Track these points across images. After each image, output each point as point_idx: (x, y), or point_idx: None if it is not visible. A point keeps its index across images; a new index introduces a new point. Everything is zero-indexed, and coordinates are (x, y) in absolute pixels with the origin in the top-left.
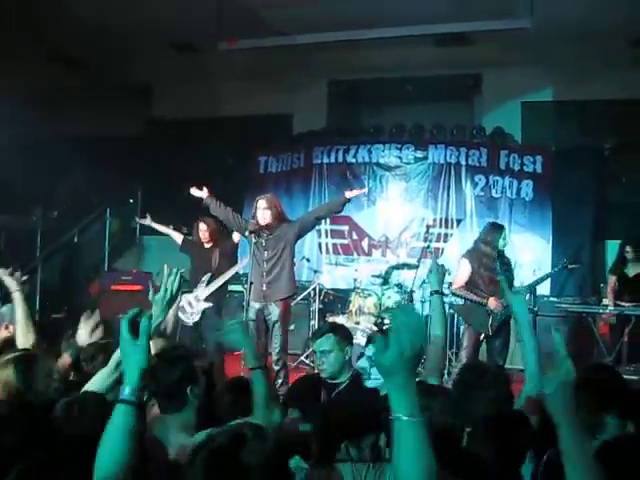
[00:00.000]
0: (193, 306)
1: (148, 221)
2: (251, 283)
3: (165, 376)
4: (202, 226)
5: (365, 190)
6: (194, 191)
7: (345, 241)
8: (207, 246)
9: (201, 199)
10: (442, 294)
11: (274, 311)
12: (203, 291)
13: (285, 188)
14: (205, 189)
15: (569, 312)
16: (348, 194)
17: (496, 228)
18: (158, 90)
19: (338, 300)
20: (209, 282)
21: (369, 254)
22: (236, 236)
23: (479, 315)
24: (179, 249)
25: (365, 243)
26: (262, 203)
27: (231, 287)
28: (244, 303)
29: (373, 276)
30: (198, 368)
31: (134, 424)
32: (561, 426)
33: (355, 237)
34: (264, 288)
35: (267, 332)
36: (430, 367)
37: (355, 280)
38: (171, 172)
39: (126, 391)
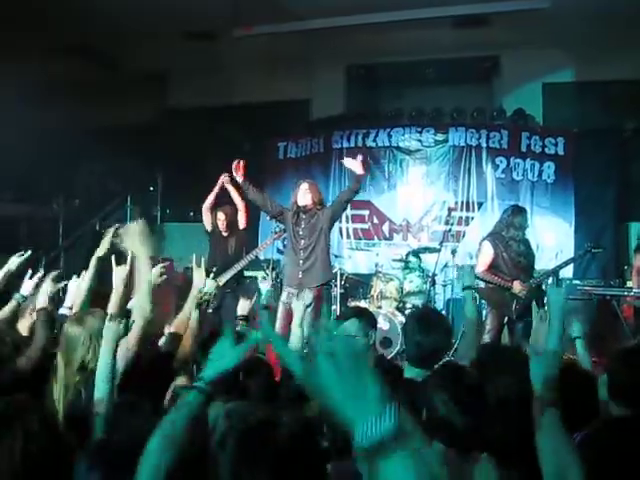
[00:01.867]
0: (214, 292)
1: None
2: (273, 268)
3: None
4: (220, 215)
5: (360, 157)
6: (226, 179)
7: (366, 226)
8: (224, 234)
9: (237, 184)
10: (474, 289)
11: (308, 296)
12: (221, 278)
13: (305, 173)
14: (240, 174)
15: (593, 295)
16: (348, 163)
17: (521, 211)
18: (175, 78)
19: (360, 285)
20: (224, 270)
21: (390, 238)
22: (242, 222)
23: (503, 298)
24: (207, 234)
25: (386, 227)
26: (304, 185)
27: (254, 273)
28: (261, 286)
29: (394, 260)
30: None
31: (199, 412)
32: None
33: (376, 221)
34: (300, 275)
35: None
36: (464, 348)
37: (376, 265)
38: (190, 160)
39: (205, 380)
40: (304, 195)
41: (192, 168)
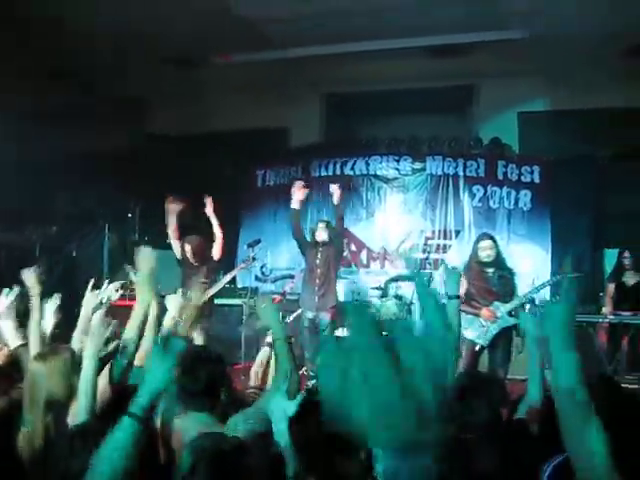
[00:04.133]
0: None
1: None
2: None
3: (201, 377)
4: (186, 247)
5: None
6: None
7: (344, 253)
8: (195, 264)
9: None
10: (457, 298)
11: (324, 318)
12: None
13: (284, 201)
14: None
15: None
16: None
17: (477, 239)
18: (154, 105)
19: (336, 312)
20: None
21: (368, 266)
22: (216, 253)
23: (473, 326)
24: (178, 264)
25: (364, 255)
26: (322, 225)
27: (230, 301)
28: (244, 316)
29: (372, 288)
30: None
31: (136, 440)
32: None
33: (353, 249)
34: (317, 300)
35: (317, 338)
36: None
37: (353, 292)
38: (168, 187)
39: (138, 406)
40: (322, 233)
41: (170, 196)
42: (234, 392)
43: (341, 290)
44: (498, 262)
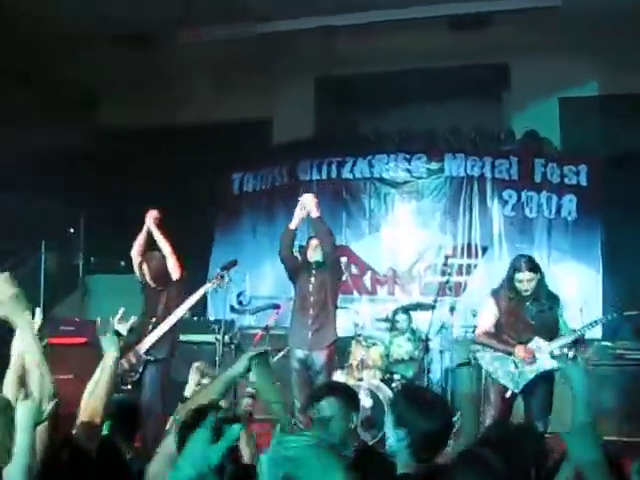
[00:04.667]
0: (133, 363)
1: None
2: (225, 332)
3: None
4: (144, 267)
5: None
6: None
7: (342, 277)
8: (158, 288)
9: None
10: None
11: (318, 359)
12: (143, 342)
13: (265, 212)
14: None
15: (627, 360)
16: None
17: (514, 266)
18: (105, 94)
19: (336, 350)
20: (152, 329)
21: (373, 292)
22: (173, 271)
23: (504, 367)
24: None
25: (368, 279)
26: (314, 242)
27: (201, 338)
28: (217, 357)
29: (378, 320)
30: None
31: None
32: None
33: (355, 271)
34: (310, 336)
35: (310, 384)
36: (465, 431)
37: (356, 325)
38: (122, 194)
39: None
40: (315, 251)
41: (125, 204)
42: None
43: (340, 323)
44: (539, 293)
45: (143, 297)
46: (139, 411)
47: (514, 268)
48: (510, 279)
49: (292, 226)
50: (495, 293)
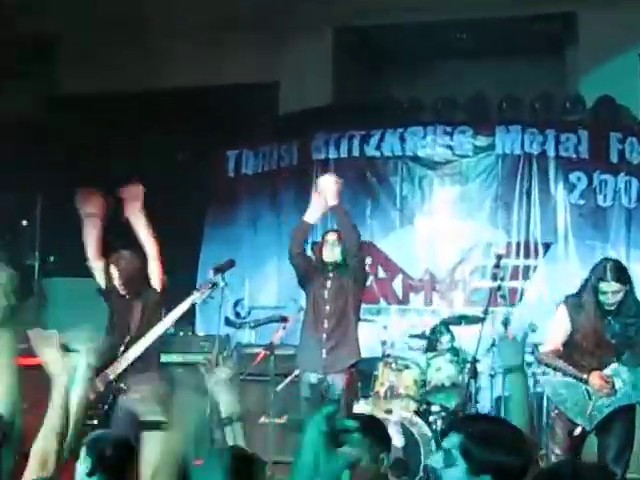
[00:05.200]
0: (100, 392)
1: None
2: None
3: None
4: (113, 270)
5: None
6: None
7: (366, 281)
8: (125, 296)
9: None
10: (519, 370)
11: (336, 385)
12: (114, 367)
13: (269, 199)
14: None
15: None
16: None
17: (598, 267)
18: (67, 51)
19: (357, 375)
20: (125, 349)
21: (404, 301)
22: (155, 279)
23: (574, 396)
24: (101, 294)
25: (398, 284)
26: (332, 236)
27: (188, 358)
28: (209, 383)
29: (412, 336)
30: None
31: None
32: None
33: (382, 275)
34: (324, 355)
35: None
36: None
37: (384, 343)
38: (87, 177)
39: None
40: (332, 249)
41: (88, 190)
42: None
43: (364, 340)
44: (625, 308)
45: (110, 308)
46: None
47: (598, 276)
48: (592, 288)
49: (310, 219)
50: (570, 302)
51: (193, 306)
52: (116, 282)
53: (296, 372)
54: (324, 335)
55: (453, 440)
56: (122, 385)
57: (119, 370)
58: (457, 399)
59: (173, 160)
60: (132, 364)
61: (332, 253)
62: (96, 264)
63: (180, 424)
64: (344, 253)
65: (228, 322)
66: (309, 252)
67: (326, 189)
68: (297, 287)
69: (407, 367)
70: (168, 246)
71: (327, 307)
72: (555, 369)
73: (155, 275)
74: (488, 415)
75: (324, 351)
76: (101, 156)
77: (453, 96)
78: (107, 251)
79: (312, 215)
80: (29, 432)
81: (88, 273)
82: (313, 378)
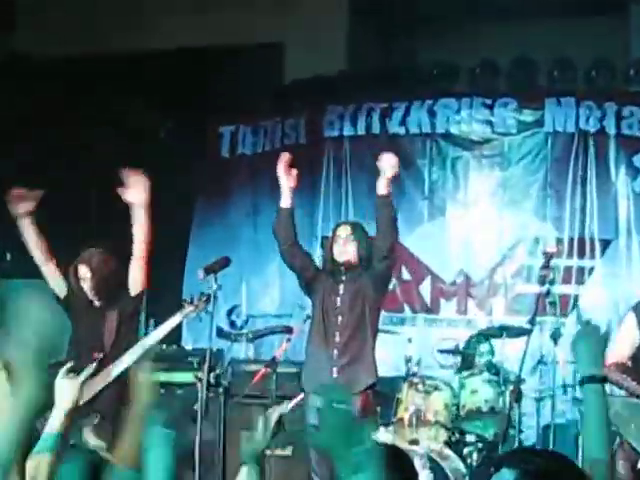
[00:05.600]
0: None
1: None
2: (212, 368)
3: None
4: (82, 270)
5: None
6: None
7: (388, 285)
8: (96, 304)
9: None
10: (603, 381)
11: (349, 410)
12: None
13: (271, 185)
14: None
15: None
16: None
17: None
18: (28, 4)
19: (376, 398)
20: (97, 370)
21: (434, 310)
22: (134, 282)
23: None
24: (59, 303)
25: (426, 288)
26: (345, 229)
27: (173, 377)
28: (197, 406)
29: (442, 352)
30: None
31: None
32: None
33: (407, 277)
34: (335, 374)
35: None
36: None
37: (408, 360)
38: (54, 155)
39: None
40: (347, 247)
41: (58, 173)
42: None
43: (383, 355)
44: None
45: (72, 320)
46: None
47: None
48: None
49: (285, 203)
50: (638, 309)
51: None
52: (86, 285)
53: (301, 396)
54: (335, 350)
55: (505, 478)
56: (95, 415)
57: (89, 396)
58: (496, 427)
59: (153, 138)
60: (107, 388)
61: (345, 251)
62: (46, 267)
63: None
64: (369, 252)
65: (221, 333)
66: (318, 250)
67: (385, 169)
68: (302, 292)
69: (436, 388)
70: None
71: (339, 316)
72: (619, 386)
73: (136, 278)
74: (547, 450)
75: (335, 369)
76: (65, 129)
77: (493, 61)
78: (67, 249)
79: (285, 197)
80: None
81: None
82: (321, 402)
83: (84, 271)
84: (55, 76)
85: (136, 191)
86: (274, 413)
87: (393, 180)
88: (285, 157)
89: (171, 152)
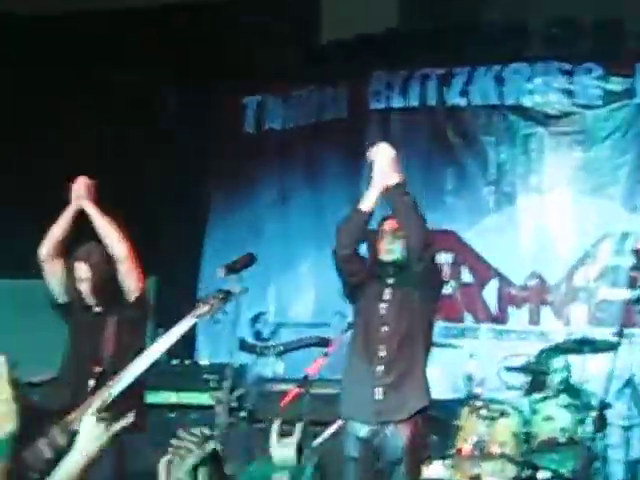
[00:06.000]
0: (58, 445)
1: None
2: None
3: None
4: (81, 269)
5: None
6: None
7: (446, 290)
8: (95, 310)
9: None
10: None
11: (396, 440)
12: (78, 410)
13: (304, 168)
14: None
15: None
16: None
17: None
18: None
19: (429, 425)
20: (96, 387)
21: (501, 319)
22: (129, 284)
23: None
24: (56, 308)
25: (492, 293)
26: (392, 224)
27: (186, 398)
28: (215, 431)
29: (510, 369)
30: None
31: None
32: None
33: (468, 279)
34: (378, 396)
35: None
36: None
37: (469, 379)
38: (40, 137)
39: None
40: (392, 243)
41: (37, 160)
42: None
43: (438, 374)
44: None
45: (69, 326)
46: None
47: None
48: None
49: (365, 207)
50: None
51: (193, 325)
52: (84, 287)
53: (339, 422)
54: (379, 367)
55: None
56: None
57: (82, 417)
58: (575, 462)
59: (168, 110)
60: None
61: (392, 249)
62: (49, 265)
63: None
64: (410, 250)
65: (244, 346)
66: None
67: (381, 160)
68: (342, 297)
69: (503, 414)
70: (154, 241)
71: (384, 326)
72: None
73: (129, 282)
74: None
75: (379, 390)
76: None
77: (573, 19)
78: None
79: (369, 201)
80: None
81: (30, 275)
82: (363, 430)
83: (83, 270)
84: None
85: (82, 191)
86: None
87: (396, 166)
88: (385, 149)
89: (181, 129)
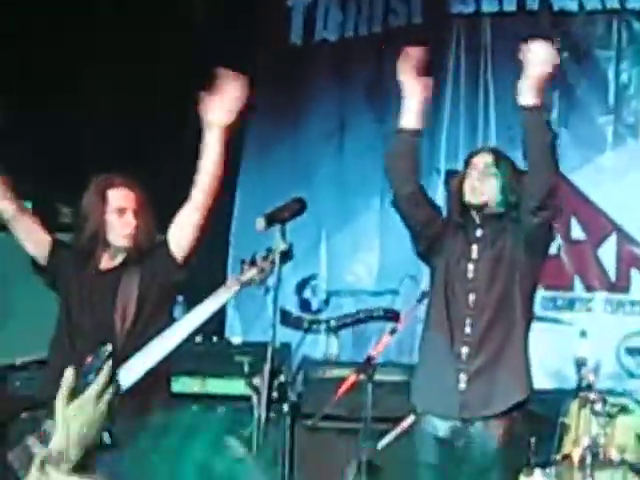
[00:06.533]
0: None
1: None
2: (275, 372)
3: None
4: (125, 197)
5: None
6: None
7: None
8: (116, 260)
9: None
10: None
11: (486, 441)
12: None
13: (365, 87)
14: None
15: None
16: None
17: None
18: None
19: (528, 422)
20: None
21: (622, 286)
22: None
23: None
24: (38, 272)
25: (610, 253)
26: (483, 159)
27: (216, 387)
28: (252, 430)
29: (633, 351)
30: None
31: None
32: None
33: (579, 235)
34: (463, 385)
35: None
36: None
37: (581, 365)
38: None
39: None
40: (482, 182)
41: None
42: None
43: (540, 357)
44: None
45: (64, 293)
46: None
47: None
48: None
49: (409, 123)
50: None
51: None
52: (120, 222)
53: (412, 417)
54: (465, 347)
55: None
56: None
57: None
58: None
59: (196, 20)
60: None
61: (482, 190)
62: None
63: None
64: (517, 196)
65: (288, 320)
66: (440, 190)
67: (531, 68)
68: (414, 258)
69: (624, 410)
70: (171, 188)
71: (472, 294)
72: None
73: (187, 236)
74: None
75: (464, 377)
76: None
77: None
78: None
79: (412, 116)
80: None
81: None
82: (442, 428)
83: (130, 198)
84: None
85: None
86: None
87: (549, 83)
88: (414, 53)
89: (204, 42)
